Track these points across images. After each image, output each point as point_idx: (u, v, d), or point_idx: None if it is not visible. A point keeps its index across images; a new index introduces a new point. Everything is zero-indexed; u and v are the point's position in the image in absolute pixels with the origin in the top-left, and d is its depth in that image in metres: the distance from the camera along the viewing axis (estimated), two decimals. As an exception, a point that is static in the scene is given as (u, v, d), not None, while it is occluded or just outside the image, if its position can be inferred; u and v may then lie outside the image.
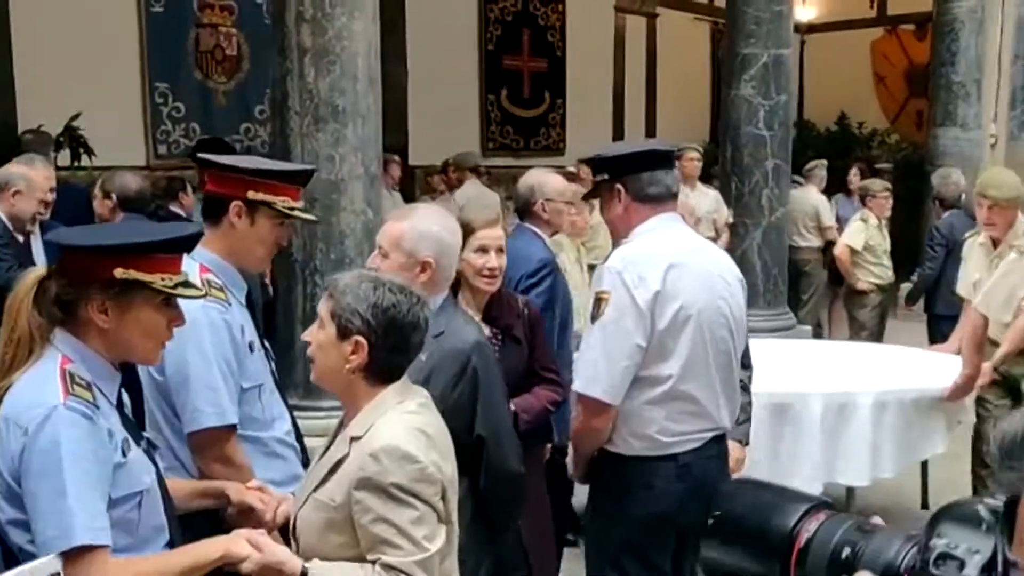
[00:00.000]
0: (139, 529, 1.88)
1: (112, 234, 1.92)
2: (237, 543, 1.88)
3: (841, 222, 8.08)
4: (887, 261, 7.27)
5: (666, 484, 2.64)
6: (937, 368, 4.59)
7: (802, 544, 1.10)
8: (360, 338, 1.88)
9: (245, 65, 9.27)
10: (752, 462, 3.21)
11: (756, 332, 6.14)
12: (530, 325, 3.14)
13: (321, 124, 4.18)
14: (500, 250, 2.99)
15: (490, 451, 2.46)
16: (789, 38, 6.47)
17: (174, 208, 5.78)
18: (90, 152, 7.24)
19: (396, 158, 8.72)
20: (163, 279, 1.85)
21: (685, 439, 2.66)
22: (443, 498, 1.88)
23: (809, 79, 14.28)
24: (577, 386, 2.62)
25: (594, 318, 2.60)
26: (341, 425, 2.00)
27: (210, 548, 1.89)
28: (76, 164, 7.26)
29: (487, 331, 2.97)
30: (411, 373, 2.38)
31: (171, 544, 1.98)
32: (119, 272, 1.81)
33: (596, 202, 4.01)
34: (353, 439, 1.88)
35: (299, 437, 2.63)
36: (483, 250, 2.96)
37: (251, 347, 2.45)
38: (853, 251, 7.09)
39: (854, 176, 9.03)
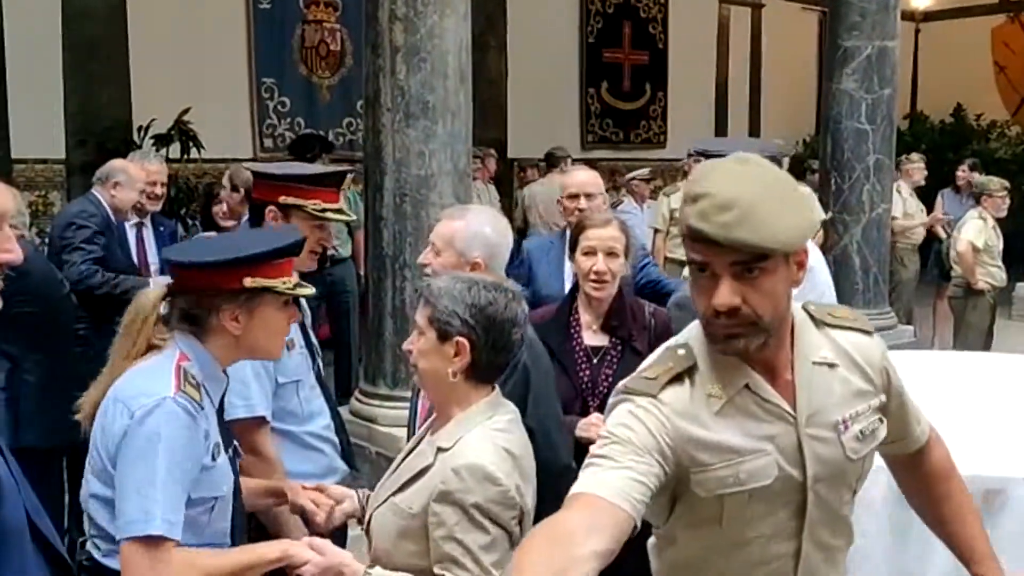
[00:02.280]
0: (206, 531, 1.95)
1: (238, 246, 2.01)
2: (298, 546, 1.92)
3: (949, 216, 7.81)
4: (1000, 261, 7.00)
5: None
6: None
7: None
8: (462, 339, 1.88)
9: (348, 60, 9.47)
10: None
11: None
12: (657, 337, 2.85)
13: (412, 120, 4.25)
14: (611, 253, 2.81)
15: (539, 444, 2.45)
16: (895, 30, 6.27)
17: None
18: (199, 146, 7.49)
19: (493, 152, 8.80)
20: (284, 282, 1.97)
21: None
22: (520, 523, 1.86)
23: (924, 69, 13.79)
24: None
25: None
26: (429, 429, 1.99)
27: (270, 548, 1.94)
28: (186, 157, 7.53)
29: (606, 341, 2.86)
30: None
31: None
32: (248, 281, 1.92)
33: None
34: (440, 450, 1.87)
35: (340, 432, 2.70)
36: (590, 252, 2.83)
37: (288, 345, 2.52)
38: (975, 249, 6.81)
39: (962, 172, 8.69)
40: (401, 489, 1.90)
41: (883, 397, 1.68)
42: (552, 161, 8.42)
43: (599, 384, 2.87)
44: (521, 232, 7.47)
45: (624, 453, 1.47)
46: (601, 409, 2.83)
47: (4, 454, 1.42)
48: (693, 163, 7.26)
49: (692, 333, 1.63)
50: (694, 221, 1.44)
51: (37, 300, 3.46)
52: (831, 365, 1.62)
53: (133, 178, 4.58)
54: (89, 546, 1.92)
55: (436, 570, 1.80)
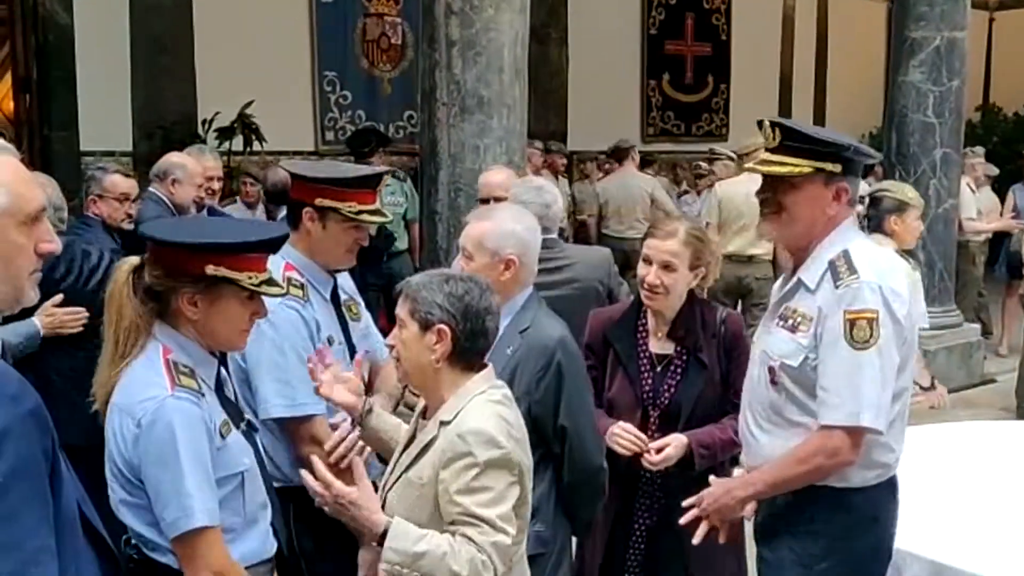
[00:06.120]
0: (245, 508, 2.01)
1: (205, 232, 2.03)
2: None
3: (1020, 212, 7.58)
4: (1070, 258, 6.79)
5: (890, 511, 2.38)
6: None
7: None
8: (442, 326, 1.98)
9: (409, 53, 9.52)
10: None
11: (919, 329, 5.88)
12: (727, 347, 2.78)
13: (467, 115, 4.27)
14: (666, 266, 2.71)
15: (572, 443, 2.47)
16: (964, 20, 6.10)
17: None
18: (261, 139, 7.61)
19: (563, 147, 8.75)
20: (250, 277, 1.97)
21: (899, 456, 2.40)
22: (520, 484, 1.96)
23: (997, 59, 13.39)
24: (865, 420, 2.25)
25: (861, 342, 2.25)
26: (423, 415, 2.10)
27: None
28: (249, 150, 7.66)
29: (671, 349, 2.78)
30: (497, 366, 2.42)
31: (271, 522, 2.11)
32: (210, 269, 1.93)
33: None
34: (442, 423, 1.98)
35: None
36: (647, 261, 2.76)
37: (329, 340, 2.55)
38: None
39: (1034, 164, 8.44)
40: (411, 465, 2.01)
41: None
42: (619, 155, 8.24)
43: (661, 394, 2.76)
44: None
45: None
46: (662, 420, 2.75)
47: (57, 448, 1.46)
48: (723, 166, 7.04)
49: None
50: None
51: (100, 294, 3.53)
52: None
53: (191, 173, 4.64)
54: (135, 541, 1.97)
55: (448, 530, 1.90)
